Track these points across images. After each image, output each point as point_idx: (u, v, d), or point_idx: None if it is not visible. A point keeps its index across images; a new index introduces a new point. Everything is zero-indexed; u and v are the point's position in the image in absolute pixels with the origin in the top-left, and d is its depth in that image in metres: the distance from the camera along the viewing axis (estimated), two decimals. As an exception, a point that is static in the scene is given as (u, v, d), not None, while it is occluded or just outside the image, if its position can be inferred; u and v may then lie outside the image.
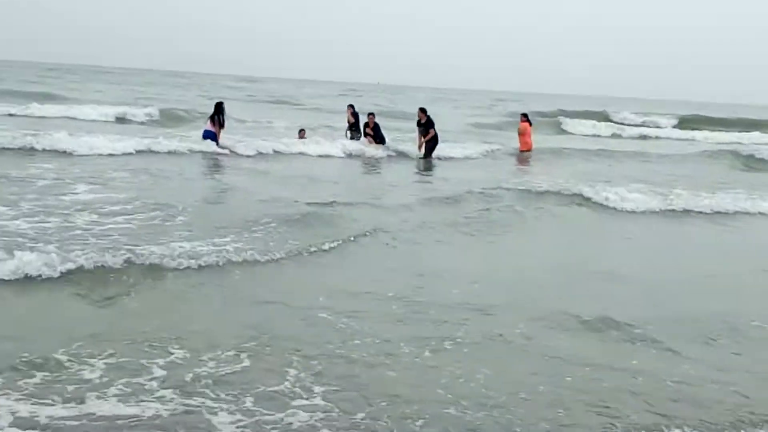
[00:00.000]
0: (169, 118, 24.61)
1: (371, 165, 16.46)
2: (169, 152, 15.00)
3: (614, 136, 32.07)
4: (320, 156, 16.89)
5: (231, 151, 15.80)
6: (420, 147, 17.68)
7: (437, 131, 17.75)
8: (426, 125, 17.66)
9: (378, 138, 18.26)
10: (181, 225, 8.06)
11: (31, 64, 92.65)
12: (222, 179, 12.58)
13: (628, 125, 36.91)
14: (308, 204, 9.86)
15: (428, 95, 66.28)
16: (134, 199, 9.21)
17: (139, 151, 14.64)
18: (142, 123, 23.23)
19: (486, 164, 17.67)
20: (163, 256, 6.47)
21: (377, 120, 18.64)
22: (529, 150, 19.45)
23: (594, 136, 31.14)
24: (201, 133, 16.37)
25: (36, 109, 22.67)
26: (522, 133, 19.65)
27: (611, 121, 38.21)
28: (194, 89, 50.57)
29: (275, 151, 16.67)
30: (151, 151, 14.82)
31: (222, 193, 11.07)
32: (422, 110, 17.96)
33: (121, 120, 23.16)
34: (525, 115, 20.05)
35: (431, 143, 17.59)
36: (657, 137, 32.53)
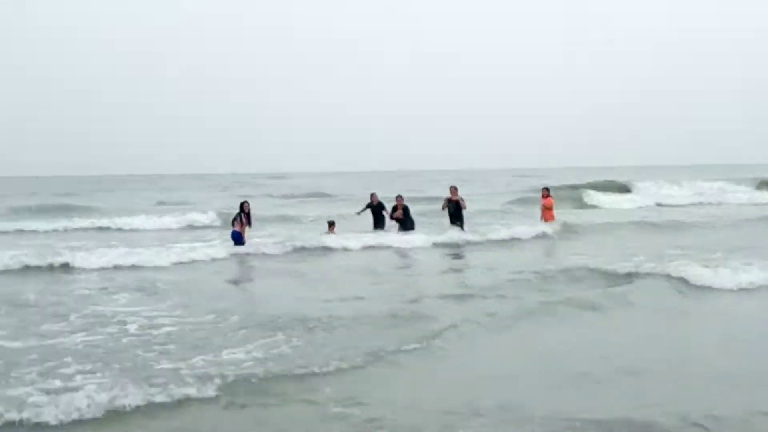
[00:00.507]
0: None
1: (408, 255, 15.51)
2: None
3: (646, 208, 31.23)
4: (363, 248, 16.12)
5: (262, 252, 15.58)
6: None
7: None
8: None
9: (408, 222, 17.79)
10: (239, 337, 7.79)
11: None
12: (265, 282, 12.48)
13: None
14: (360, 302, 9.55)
15: (451, 176, 66.52)
16: (179, 306, 9.35)
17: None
18: (209, 227, 23.52)
19: (541, 244, 16.97)
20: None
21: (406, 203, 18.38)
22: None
23: (620, 208, 30.39)
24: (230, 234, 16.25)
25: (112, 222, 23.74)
26: (548, 208, 19.36)
27: (629, 191, 37.12)
28: (223, 190, 51.16)
29: (304, 247, 16.10)
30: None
31: (274, 298, 10.53)
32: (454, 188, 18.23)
33: (192, 227, 23.48)
34: (547, 189, 19.88)
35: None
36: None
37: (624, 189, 37.48)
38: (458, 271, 13.32)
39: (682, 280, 10.55)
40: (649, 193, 35.52)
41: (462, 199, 18.00)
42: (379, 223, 18.81)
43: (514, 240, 17.22)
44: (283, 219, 25.12)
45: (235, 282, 12.60)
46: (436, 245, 16.38)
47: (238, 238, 15.98)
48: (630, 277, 11.06)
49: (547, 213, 19.47)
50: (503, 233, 17.74)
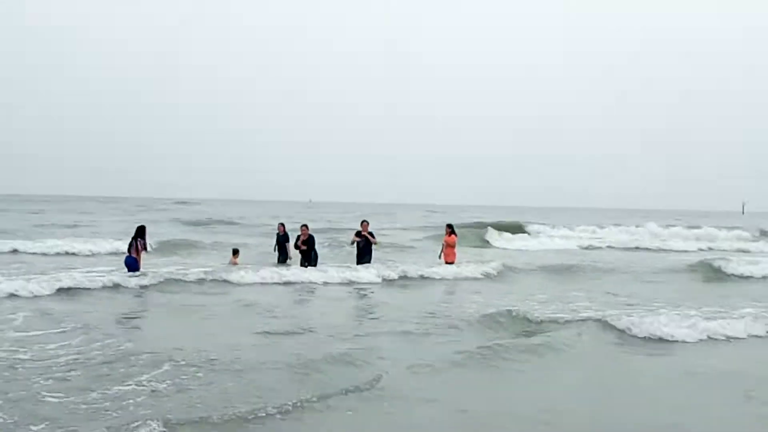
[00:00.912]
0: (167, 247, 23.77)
1: (316, 291, 14.48)
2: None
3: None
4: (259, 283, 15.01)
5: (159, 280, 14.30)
6: None
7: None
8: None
9: (312, 254, 17.51)
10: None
11: None
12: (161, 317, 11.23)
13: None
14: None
15: (362, 211, 66.64)
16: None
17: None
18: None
19: (478, 285, 16.20)
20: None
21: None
22: (452, 263, 19.05)
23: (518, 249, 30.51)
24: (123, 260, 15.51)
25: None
26: (450, 245, 19.15)
27: (525, 232, 37.48)
28: (137, 214, 48.92)
29: (204, 280, 14.70)
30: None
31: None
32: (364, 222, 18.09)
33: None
34: (450, 227, 19.82)
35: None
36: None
37: (520, 230, 38.12)
38: (365, 309, 12.61)
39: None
40: (547, 235, 36.55)
41: (373, 235, 17.75)
42: (282, 255, 18.58)
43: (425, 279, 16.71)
44: (187, 244, 24.43)
45: (128, 316, 11.25)
46: (342, 283, 15.44)
47: (132, 264, 15.21)
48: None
49: (448, 250, 19.39)
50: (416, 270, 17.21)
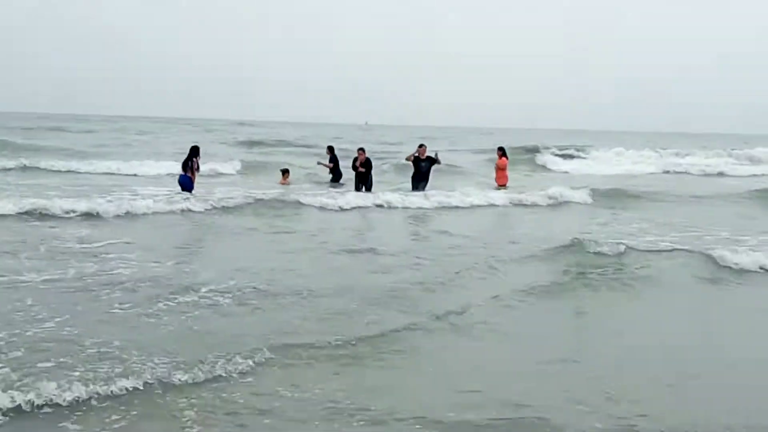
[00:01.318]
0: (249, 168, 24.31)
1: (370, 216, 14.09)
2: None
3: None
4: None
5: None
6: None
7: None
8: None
9: (368, 176, 17.37)
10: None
11: (16, 114, 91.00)
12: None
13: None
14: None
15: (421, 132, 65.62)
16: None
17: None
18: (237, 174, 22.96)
19: (540, 212, 15.60)
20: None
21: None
22: (505, 185, 18.82)
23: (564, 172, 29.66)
24: (177, 179, 15.78)
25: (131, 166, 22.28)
26: (501, 168, 19.08)
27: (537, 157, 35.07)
28: (207, 135, 49.18)
29: (256, 199, 14.19)
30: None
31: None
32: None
33: (220, 174, 22.44)
34: (502, 149, 19.49)
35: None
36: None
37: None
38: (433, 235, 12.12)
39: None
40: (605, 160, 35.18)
41: (437, 157, 17.34)
42: (336, 177, 18.95)
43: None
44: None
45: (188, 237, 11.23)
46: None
47: (187, 183, 15.33)
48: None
49: (500, 173, 19.07)
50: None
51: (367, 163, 17.49)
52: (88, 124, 59.03)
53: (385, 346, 5.77)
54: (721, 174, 30.43)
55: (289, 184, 19.07)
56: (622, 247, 9.83)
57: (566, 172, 29.43)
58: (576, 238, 10.35)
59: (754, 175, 29.48)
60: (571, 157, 35.34)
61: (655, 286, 8.31)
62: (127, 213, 12.08)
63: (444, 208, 15.33)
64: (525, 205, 16.36)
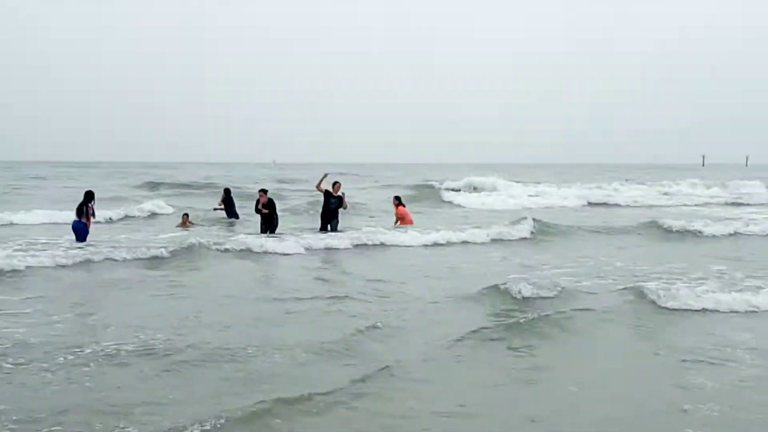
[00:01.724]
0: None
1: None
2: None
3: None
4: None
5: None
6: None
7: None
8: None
9: (272, 217, 16.86)
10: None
11: None
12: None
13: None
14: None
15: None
16: None
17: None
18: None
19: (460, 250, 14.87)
20: None
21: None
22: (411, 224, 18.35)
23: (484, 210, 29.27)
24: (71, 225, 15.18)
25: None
26: (401, 218, 18.47)
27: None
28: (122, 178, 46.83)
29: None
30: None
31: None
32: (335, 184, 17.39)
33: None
34: (398, 198, 19.10)
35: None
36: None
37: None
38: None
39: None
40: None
41: (344, 199, 17.10)
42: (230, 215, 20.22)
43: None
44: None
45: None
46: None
47: (81, 229, 14.51)
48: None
49: (403, 222, 18.32)
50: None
51: (270, 204, 17.23)
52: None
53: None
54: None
55: (189, 226, 18.83)
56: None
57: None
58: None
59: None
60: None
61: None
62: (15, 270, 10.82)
63: (369, 246, 14.99)
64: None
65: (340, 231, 16.54)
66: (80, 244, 13.93)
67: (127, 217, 22.19)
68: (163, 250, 12.90)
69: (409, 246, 15.26)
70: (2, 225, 19.06)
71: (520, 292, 9.05)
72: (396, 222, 18.46)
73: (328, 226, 16.88)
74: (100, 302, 9.18)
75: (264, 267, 12.47)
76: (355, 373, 5.99)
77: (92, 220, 15.04)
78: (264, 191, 17.71)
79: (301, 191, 34.03)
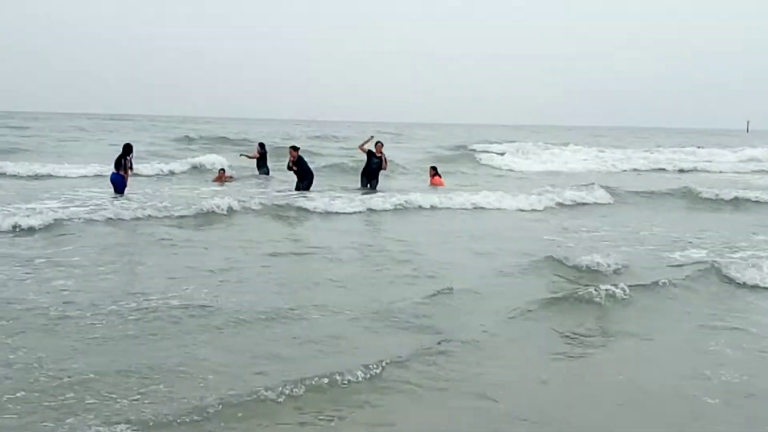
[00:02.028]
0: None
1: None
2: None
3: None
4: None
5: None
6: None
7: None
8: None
9: (304, 174, 16.57)
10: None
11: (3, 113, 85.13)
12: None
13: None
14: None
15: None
16: None
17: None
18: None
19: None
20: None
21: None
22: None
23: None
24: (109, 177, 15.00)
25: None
26: (436, 185, 18.31)
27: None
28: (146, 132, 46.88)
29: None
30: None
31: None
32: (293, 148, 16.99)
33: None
34: (434, 168, 19.09)
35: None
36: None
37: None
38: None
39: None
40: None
41: (385, 160, 17.05)
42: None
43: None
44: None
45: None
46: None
47: (119, 182, 14.41)
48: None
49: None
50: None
51: (300, 161, 16.78)
52: (16, 121, 56.22)
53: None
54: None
55: (226, 180, 18.77)
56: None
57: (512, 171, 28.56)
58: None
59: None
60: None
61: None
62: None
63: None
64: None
65: (379, 191, 16.22)
66: (122, 199, 13.63)
67: (170, 172, 21.80)
68: (204, 207, 12.13)
69: (459, 209, 14.46)
70: (45, 177, 19.05)
71: (594, 263, 8.30)
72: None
73: (368, 184, 16.91)
74: (146, 257, 8.70)
75: (305, 226, 12.01)
76: (430, 341, 5.61)
77: (129, 173, 14.73)
78: (294, 148, 17.25)
79: (341, 149, 33.34)
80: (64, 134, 42.21)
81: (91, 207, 11.99)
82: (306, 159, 17.72)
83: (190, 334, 5.62)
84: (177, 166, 22.66)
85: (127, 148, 14.73)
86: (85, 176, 19.25)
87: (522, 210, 14.71)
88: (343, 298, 6.90)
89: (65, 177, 19.14)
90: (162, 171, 21.72)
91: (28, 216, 10.28)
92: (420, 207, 14.30)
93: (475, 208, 14.67)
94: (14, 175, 18.99)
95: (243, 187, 17.33)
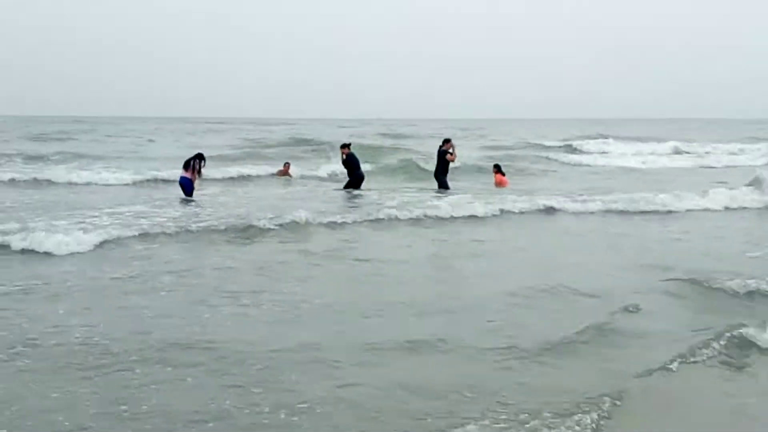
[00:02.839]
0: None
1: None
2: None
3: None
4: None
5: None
6: None
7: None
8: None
9: (354, 173, 16.44)
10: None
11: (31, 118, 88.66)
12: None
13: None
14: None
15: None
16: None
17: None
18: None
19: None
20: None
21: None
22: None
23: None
24: (178, 180, 14.92)
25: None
26: (499, 185, 17.65)
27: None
28: (227, 135, 46.94)
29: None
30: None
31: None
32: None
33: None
34: (497, 167, 18.42)
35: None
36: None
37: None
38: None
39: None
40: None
41: (454, 151, 16.87)
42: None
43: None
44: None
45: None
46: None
47: (187, 185, 14.24)
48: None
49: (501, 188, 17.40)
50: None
51: (350, 159, 16.48)
52: (91, 125, 57.46)
53: None
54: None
55: (289, 176, 19.72)
56: None
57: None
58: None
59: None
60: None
61: None
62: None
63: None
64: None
65: (451, 189, 16.21)
66: (194, 204, 13.35)
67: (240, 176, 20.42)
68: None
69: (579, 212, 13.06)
70: (102, 185, 18.01)
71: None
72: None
73: (446, 183, 16.87)
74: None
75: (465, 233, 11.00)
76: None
77: (198, 178, 14.55)
78: (345, 146, 16.81)
79: (408, 149, 32.57)
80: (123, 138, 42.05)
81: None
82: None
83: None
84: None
85: (199, 155, 14.68)
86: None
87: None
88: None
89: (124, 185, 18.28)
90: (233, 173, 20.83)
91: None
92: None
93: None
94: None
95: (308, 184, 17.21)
